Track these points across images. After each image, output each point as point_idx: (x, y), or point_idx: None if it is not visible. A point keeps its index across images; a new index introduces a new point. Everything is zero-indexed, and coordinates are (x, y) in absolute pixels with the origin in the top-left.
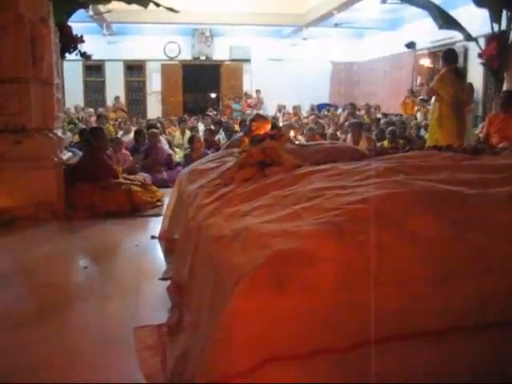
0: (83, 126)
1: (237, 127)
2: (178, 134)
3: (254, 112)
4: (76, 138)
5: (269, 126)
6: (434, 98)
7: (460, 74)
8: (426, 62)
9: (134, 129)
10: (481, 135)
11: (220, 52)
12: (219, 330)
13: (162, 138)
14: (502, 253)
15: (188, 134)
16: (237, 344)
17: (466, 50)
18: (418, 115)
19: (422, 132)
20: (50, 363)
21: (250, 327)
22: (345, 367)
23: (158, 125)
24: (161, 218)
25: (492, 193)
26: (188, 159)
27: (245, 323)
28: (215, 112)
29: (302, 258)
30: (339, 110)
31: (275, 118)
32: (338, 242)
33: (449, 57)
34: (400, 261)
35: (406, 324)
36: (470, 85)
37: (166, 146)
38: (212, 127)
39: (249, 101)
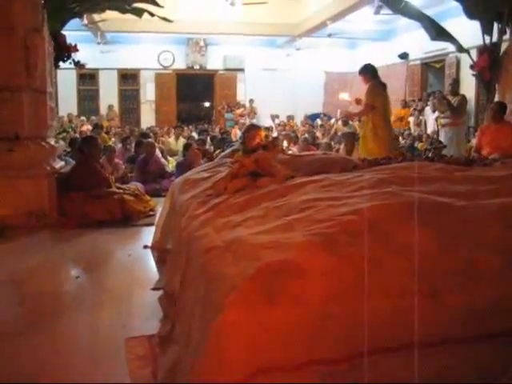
0: (76, 135)
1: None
2: (172, 139)
3: (248, 121)
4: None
5: (263, 134)
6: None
7: (384, 86)
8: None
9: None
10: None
11: (214, 61)
12: (210, 341)
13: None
14: (492, 265)
15: (182, 140)
16: (227, 356)
17: (458, 62)
18: (411, 125)
19: (416, 143)
20: (41, 373)
21: (241, 339)
22: (336, 379)
23: (151, 134)
24: (153, 228)
25: (483, 204)
26: (181, 168)
27: (235, 335)
28: (206, 125)
29: (292, 270)
30: (332, 120)
31: (269, 129)
32: (330, 254)
33: (368, 71)
34: (391, 273)
35: (396, 336)
36: (463, 96)
37: (160, 155)
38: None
39: (238, 111)
